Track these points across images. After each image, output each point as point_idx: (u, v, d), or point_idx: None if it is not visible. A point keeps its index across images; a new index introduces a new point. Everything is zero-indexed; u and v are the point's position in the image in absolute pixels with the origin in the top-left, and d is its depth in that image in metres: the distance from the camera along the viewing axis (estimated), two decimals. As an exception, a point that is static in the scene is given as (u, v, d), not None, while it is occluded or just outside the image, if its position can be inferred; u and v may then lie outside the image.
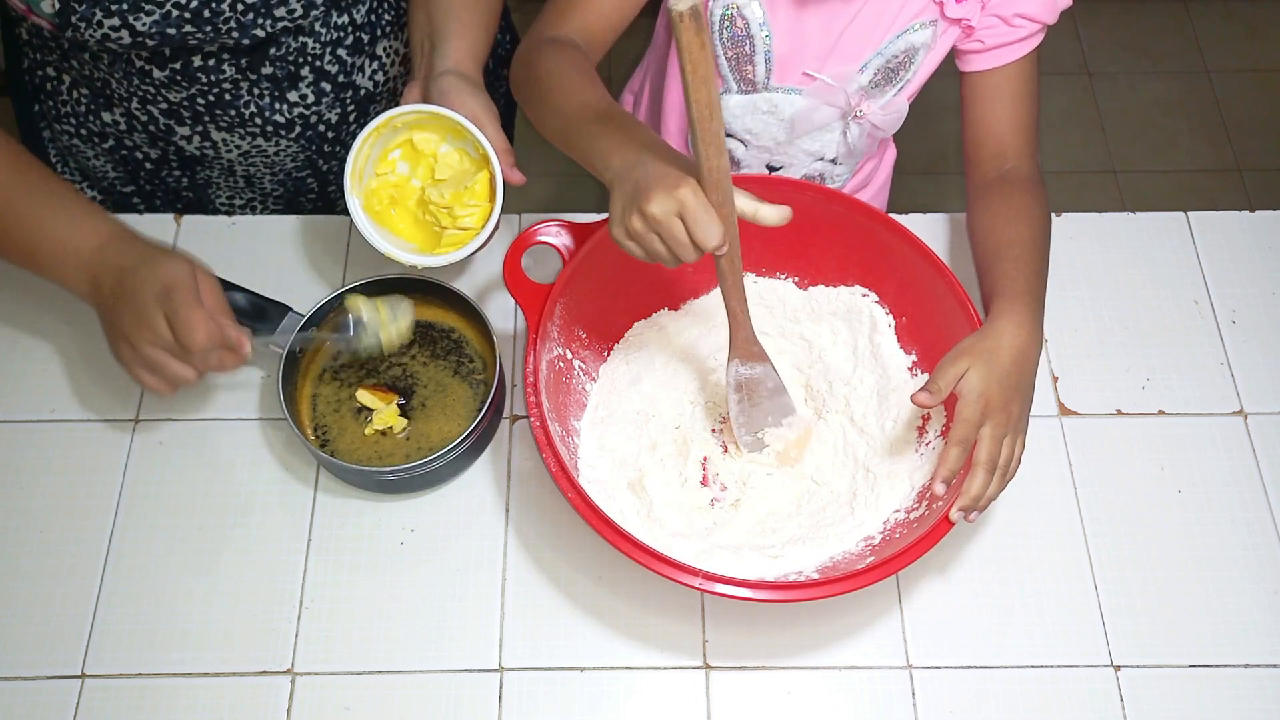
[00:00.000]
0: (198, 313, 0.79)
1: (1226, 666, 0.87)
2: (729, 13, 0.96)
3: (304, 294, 1.00)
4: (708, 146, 0.66)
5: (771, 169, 1.10)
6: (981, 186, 0.98)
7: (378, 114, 1.11)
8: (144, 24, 0.89)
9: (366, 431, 0.93)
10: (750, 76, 1.00)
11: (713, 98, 0.64)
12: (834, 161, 1.10)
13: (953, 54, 1.00)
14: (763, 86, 1.01)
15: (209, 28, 0.91)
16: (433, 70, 0.90)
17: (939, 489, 0.79)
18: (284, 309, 0.95)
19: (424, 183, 0.92)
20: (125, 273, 0.81)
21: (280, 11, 0.94)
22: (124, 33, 0.89)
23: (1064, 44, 2.33)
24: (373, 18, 1.05)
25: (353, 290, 0.93)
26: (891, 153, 1.22)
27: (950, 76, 1.04)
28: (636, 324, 0.99)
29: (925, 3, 0.96)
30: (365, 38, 1.05)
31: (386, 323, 0.90)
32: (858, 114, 1.03)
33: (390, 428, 0.93)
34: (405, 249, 0.91)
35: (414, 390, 0.95)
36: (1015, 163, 0.97)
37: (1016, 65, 0.97)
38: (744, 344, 0.87)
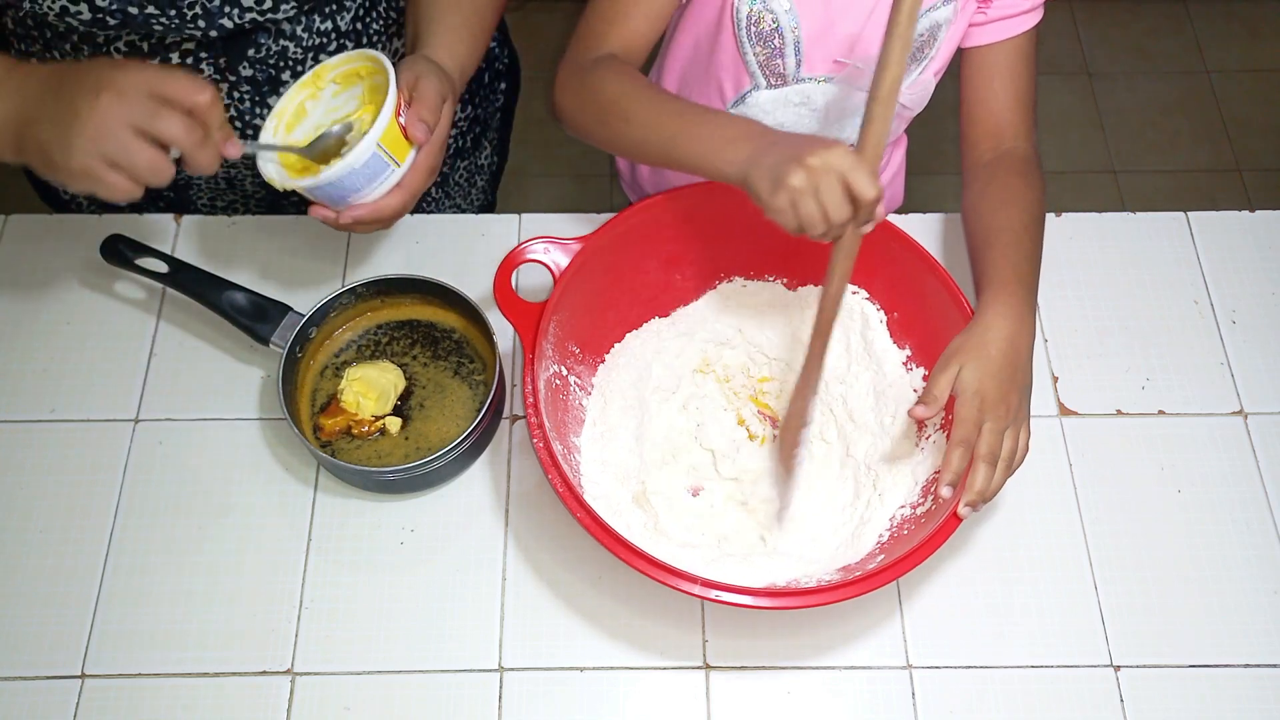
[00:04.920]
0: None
1: (1226, 666, 0.87)
2: (756, 9, 0.96)
3: (304, 294, 1.00)
4: (880, 121, 0.74)
5: None
6: (976, 168, 0.98)
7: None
8: None
9: (366, 431, 0.93)
10: (780, 70, 1.00)
11: (897, 80, 0.72)
12: None
13: None
14: (793, 79, 1.00)
15: (172, 11, 0.90)
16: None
17: (945, 492, 0.79)
18: (284, 309, 0.95)
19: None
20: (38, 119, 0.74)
21: (248, 1, 0.93)
22: (83, 6, 0.88)
23: (1064, 44, 2.32)
24: (359, 25, 1.03)
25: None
26: (903, 140, 1.22)
27: (948, 76, 1.03)
28: (628, 335, 0.98)
29: None
30: (350, 45, 1.04)
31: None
32: None
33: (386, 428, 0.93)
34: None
35: (413, 390, 0.95)
36: (1012, 143, 0.97)
37: (1015, 42, 0.97)
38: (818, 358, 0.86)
